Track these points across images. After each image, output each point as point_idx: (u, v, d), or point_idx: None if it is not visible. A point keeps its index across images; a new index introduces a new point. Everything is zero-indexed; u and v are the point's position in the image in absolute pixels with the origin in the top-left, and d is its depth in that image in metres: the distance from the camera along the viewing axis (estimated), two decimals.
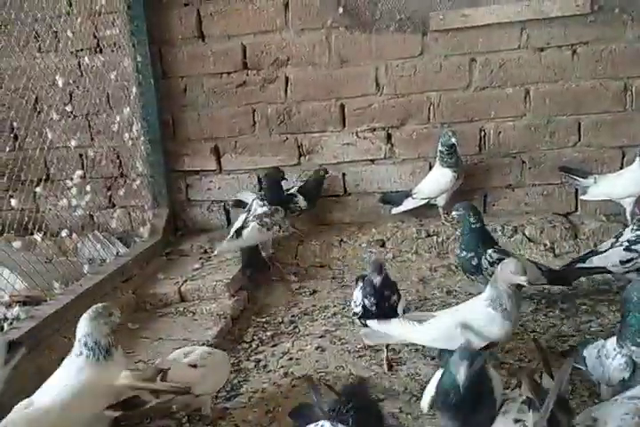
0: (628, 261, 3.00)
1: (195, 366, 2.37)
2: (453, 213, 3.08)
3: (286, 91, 4.09)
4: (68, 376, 2.15)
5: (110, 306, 2.30)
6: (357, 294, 2.71)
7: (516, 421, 1.83)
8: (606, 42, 3.70)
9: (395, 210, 4.05)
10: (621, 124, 3.82)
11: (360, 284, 2.74)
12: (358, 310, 2.66)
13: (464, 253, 3.02)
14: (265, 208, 3.70)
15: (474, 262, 2.98)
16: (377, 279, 2.58)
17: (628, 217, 3.64)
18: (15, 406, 2.04)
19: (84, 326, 2.20)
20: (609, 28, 3.67)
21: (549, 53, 3.78)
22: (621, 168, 3.80)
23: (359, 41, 3.91)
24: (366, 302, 2.63)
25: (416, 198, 3.95)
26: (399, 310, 2.62)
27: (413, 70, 3.92)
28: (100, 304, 2.30)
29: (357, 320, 2.71)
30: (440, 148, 3.81)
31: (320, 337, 3.05)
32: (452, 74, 3.89)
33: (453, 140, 3.73)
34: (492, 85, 3.88)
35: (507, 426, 1.83)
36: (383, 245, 3.98)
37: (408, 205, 3.99)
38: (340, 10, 3.83)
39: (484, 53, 3.83)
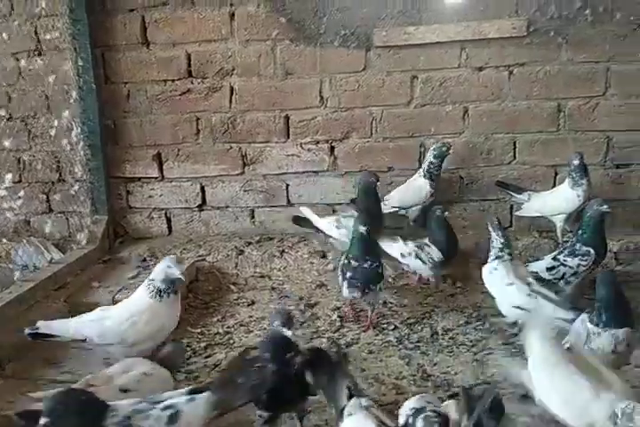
0: (552, 268, 3.19)
1: (126, 390, 2.19)
2: (361, 228, 3.10)
3: (231, 100, 4.09)
4: (135, 298, 2.72)
5: (177, 259, 2.70)
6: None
7: None
8: (541, 63, 3.85)
9: None
10: (554, 144, 3.96)
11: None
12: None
13: (368, 262, 3.09)
14: (350, 211, 3.71)
15: (379, 271, 3.12)
16: (288, 333, 2.08)
17: (559, 234, 3.78)
18: (99, 308, 2.73)
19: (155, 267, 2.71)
20: (544, 50, 3.81)
21: (487, 73, 3.90)
22: (554, 186, 3.95)
23: (304, 54, 3.96)
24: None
25: (387, 206, 3.90)
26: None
27: (357, 85, 3.98)
28: (171, 255, 2.87)
29: None
30: (432, 159, 3.80)
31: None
32: (394, 90, 3.97)
33: (451, 151, 3.79)
34: (433, 102, 3.97)
35: None
36: (324, 257, 4.01)
37: None
38: (283, 20, 3.87)
39: (426, 71, 3.92)
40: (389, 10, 3.79)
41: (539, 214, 3.85)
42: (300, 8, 3.85)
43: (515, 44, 3.81)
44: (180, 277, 2.66)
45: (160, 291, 2.64)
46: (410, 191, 3.89)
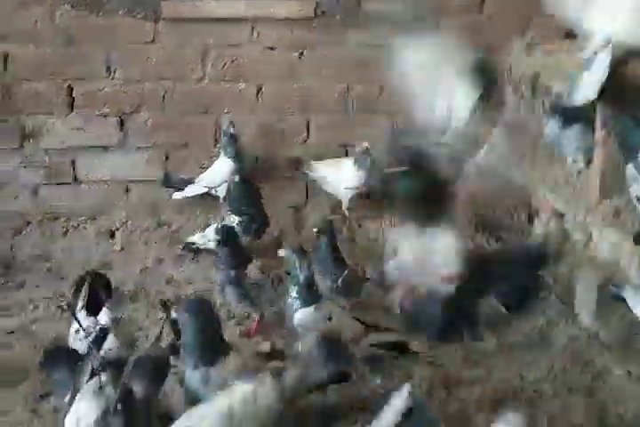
0: None
1: None
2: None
3: (5, 68, 3.74)
4: None
5: None
6: None
7: None
8: (329, 46, 3.92)
9: (176, 195, 3.93)
10: (342, 127, 4.06)
11: None
12: None
13: None
14: None
15: None
16: None
17: None
18: None
19: None
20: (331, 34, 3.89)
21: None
22: None
23: (88, 21, 3.71)
24: None
25: (198, 185, 3.85)
26: None
27: (146, 57, 3.81)
28: None
29: None
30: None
31: None
32: (185, 64, 3.85)
33: (231, 129, 3.74)
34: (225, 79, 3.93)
35: None
36: (112, 236, 3.85)
37: (191, 191, 3.88)
38: None
39: (218, 47, 3.85)
40: None
41: None
42: None
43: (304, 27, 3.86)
44: None
45: None
46: (212, 171, 3.85)
